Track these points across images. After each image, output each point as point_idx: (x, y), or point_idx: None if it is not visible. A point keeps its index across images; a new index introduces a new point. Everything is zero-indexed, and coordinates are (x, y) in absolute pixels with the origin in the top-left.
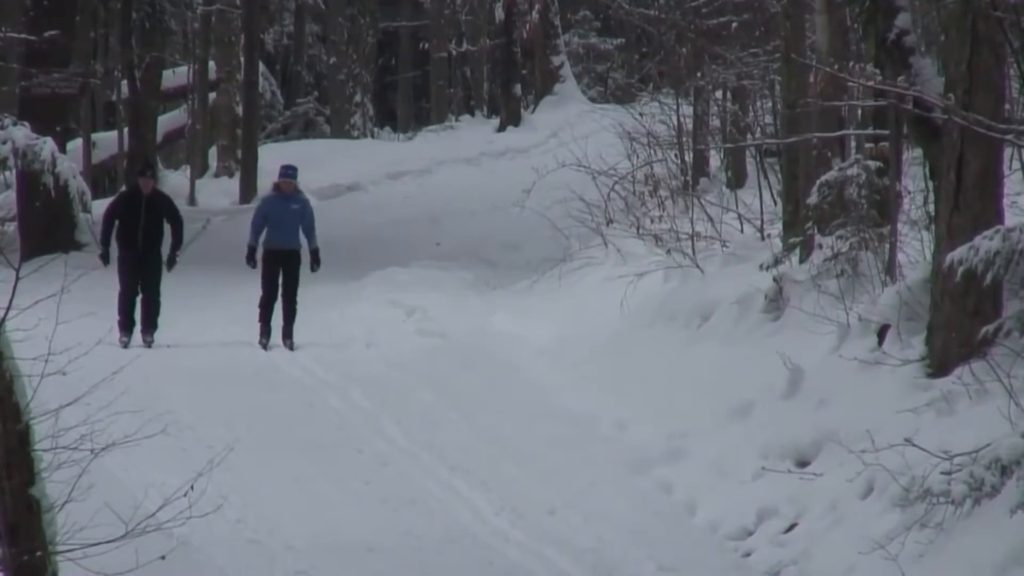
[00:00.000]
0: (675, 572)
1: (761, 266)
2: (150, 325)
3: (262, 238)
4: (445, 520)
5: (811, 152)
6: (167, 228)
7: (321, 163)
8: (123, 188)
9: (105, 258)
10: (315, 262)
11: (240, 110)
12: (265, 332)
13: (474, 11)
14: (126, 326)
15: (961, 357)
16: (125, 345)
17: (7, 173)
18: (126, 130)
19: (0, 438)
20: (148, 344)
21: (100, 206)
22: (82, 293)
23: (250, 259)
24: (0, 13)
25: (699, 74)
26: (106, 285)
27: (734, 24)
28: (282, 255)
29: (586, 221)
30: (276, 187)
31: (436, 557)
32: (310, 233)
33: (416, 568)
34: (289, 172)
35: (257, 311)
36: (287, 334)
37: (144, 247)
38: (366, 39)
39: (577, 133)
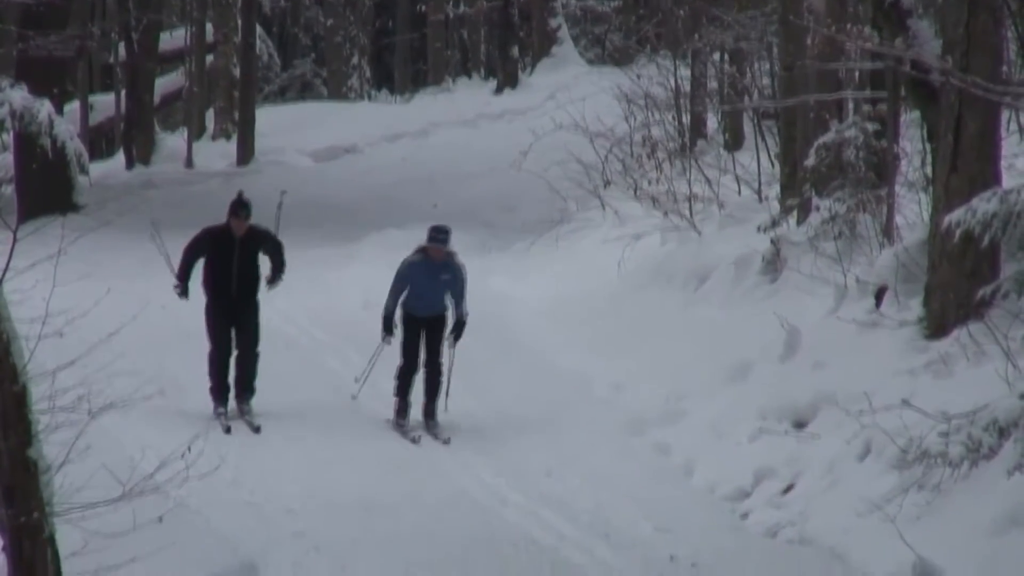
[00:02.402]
0: (672, 533)
1: (758, 228)
2: (246, 390)
3: (401, 299)
4: (443, 482)
5: (808, 114)
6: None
7: (318, 125)
8: (208, 226)
9: (184, 292)
10: (458, 333)
11: (237, 72)
12: (404, 410)
13: None
14: (221, 394)
15: (959, 319)
16: (224, 421)
17: (4, 136)
18: (123, 92)
19: None
20: (250, 423)
21: (97, 168)
22: (79, 255)
23: (387, 329)
24: None
25: (696, 36)
26: (104, 248)
27: None
28: (426, 321)
29: (583, 183)
30: (423, 251)
31: (435, 518)
32: (459, 300)
33: (415, 529)
34: (440, 236)
35: (393, 383)
36: (430, 413)
37: (239, 293)
38: (363, 1)
39: (574, 95)
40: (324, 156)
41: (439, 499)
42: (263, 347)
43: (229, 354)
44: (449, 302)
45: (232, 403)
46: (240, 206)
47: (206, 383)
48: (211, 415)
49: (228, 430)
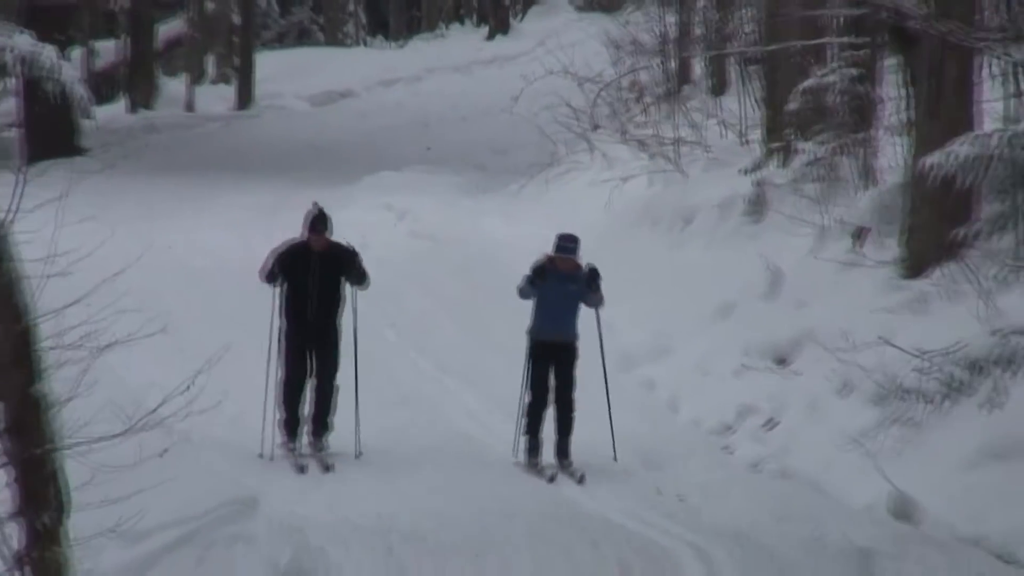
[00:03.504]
0: (660, 468)
1: (742, 171)
2: (322, 426)
3: (528, 327)
4: (438, 416)
5: (791, 60)
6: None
7: (315, 71)
8: (291, 239)
9: (272, 278)
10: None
11: (237, 19)
12: (535, 448)
13: None
14: (293, 428)
15: (936, 259)
16: (297, 460)
17: (10, 81)
18: (126, 39)
19: (4, 336)
20: (323, 460)
21: (101, 112)
22: (85, 197)
23: (535, 277)
24: None
25: None
26: (109, 190)
27: None
28: (555, 348)
29: (572, 127)
30: (550, 261)
31: (432, 449)
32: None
33: (410, 462)
34: (569, 246)
35: (523, 421)
36: (563, 451)
37: (317, 314)
38: None
39: (564, 41)
40: (321, 101)
41: (435, 432)
42: None
43: (303, 382)
44: (579, 328)
45: (304, 438)
46: (319, 219)
47: (209, 320)
48: (280, 450)
49: (303, 469)
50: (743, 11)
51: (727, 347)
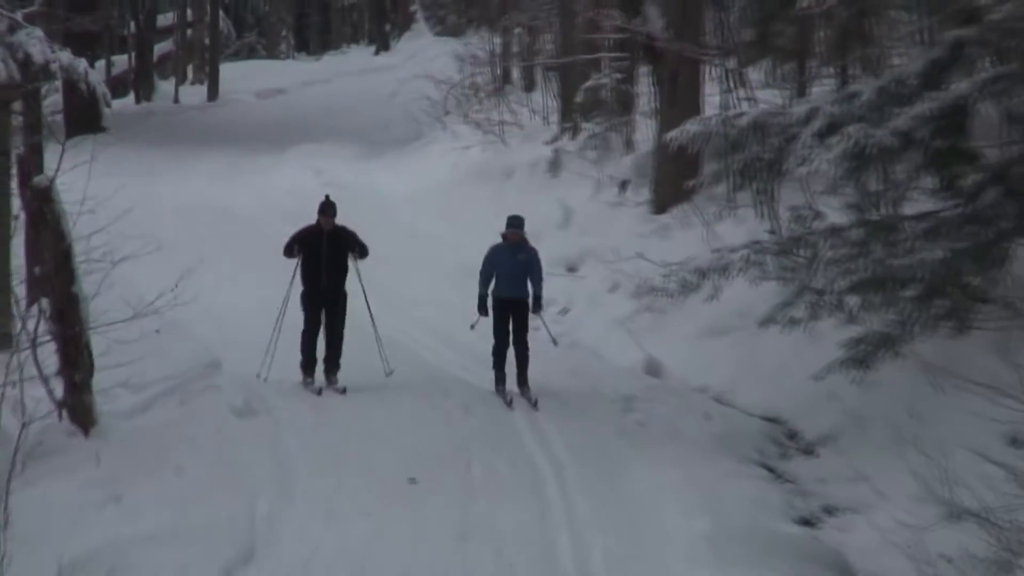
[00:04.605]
0: (489, 339)
1: (545, 142)
2: (334, 365)
3: (491, 288)
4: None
5: (578, 68)
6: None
7: (259, 75)
8: (305, 225)
9: (291, 252)
10: (536, 305)
11: (207, 41)
12: (501, 380)
13: None
14: (310, 367)
15: (674, 201)
16: (314, 387)
17: (56, 82)
18: (133, 54)
19: (52, 253)
20: (337, 389)
21: (116, 103)
22: (105, 161)
23: (482, 307)
24: None
25: (505, 16)
26: (122, 155)
27: None
28: (511, 303)
29: (432, 113)
30: (504, 238)
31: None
32: (536, 282)
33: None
34: (515, 223)
35: (491, 359)
36: (523, 381)
37: (329, 281)
38: None
39: (426, 56)
40: (263, 96)
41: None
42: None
43: (317, 334)
44: (530, 286)
45: (319, 375)
46: (327, 206)
47: (189, 242)
48: (300, 385)
49: (320, 392)
50: (545, 35)
51: None
